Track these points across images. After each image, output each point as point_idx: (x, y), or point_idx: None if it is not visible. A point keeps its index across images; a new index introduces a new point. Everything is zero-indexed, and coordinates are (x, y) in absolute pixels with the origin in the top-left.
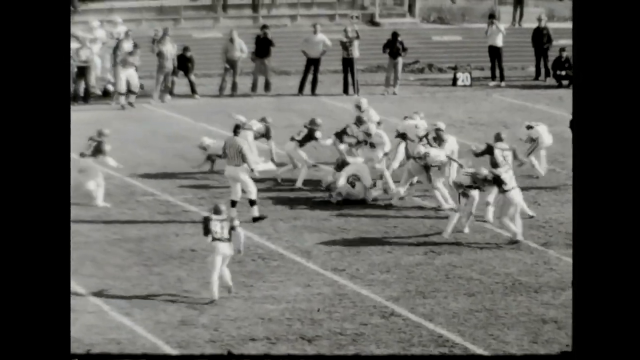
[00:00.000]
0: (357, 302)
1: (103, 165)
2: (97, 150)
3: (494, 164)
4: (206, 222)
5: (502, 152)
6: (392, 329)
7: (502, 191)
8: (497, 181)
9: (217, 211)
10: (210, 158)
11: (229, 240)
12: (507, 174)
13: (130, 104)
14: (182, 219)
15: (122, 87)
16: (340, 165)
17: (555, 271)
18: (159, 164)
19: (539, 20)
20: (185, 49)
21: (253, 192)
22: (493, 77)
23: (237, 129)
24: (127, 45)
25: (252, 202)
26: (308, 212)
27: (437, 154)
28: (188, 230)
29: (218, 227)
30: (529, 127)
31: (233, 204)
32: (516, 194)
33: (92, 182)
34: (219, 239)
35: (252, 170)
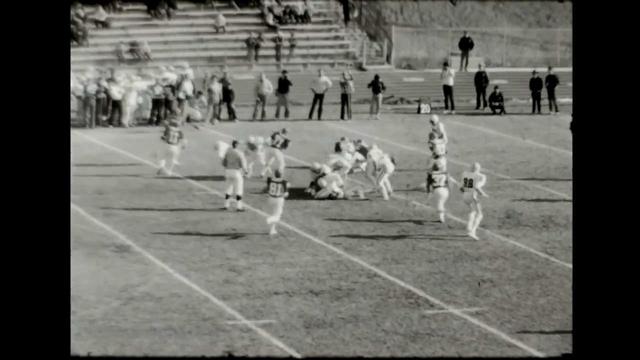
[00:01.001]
0: (350, 266)
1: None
2: (181, 137)
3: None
4: (268, 182)
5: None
6: (374, 285)
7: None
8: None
9: (277, 174)
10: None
11: (279, 197)
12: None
13: (196, 127)
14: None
15: (198, 116)
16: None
17: (490, 245)
18: (209, 168)
19: (479, 66)
20: (228, 86)
21: (241, 190)
22: (446, 107)
23: (235, 143)
24: (187, 85)
25: (238, 197)
26: (315, 203)
27: (378, 156)
28: (230, 215)
29: (273, 187)
30: (358, 142)
31: (238, 198)
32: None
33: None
34: (272, 195)
35: (246, 173)
